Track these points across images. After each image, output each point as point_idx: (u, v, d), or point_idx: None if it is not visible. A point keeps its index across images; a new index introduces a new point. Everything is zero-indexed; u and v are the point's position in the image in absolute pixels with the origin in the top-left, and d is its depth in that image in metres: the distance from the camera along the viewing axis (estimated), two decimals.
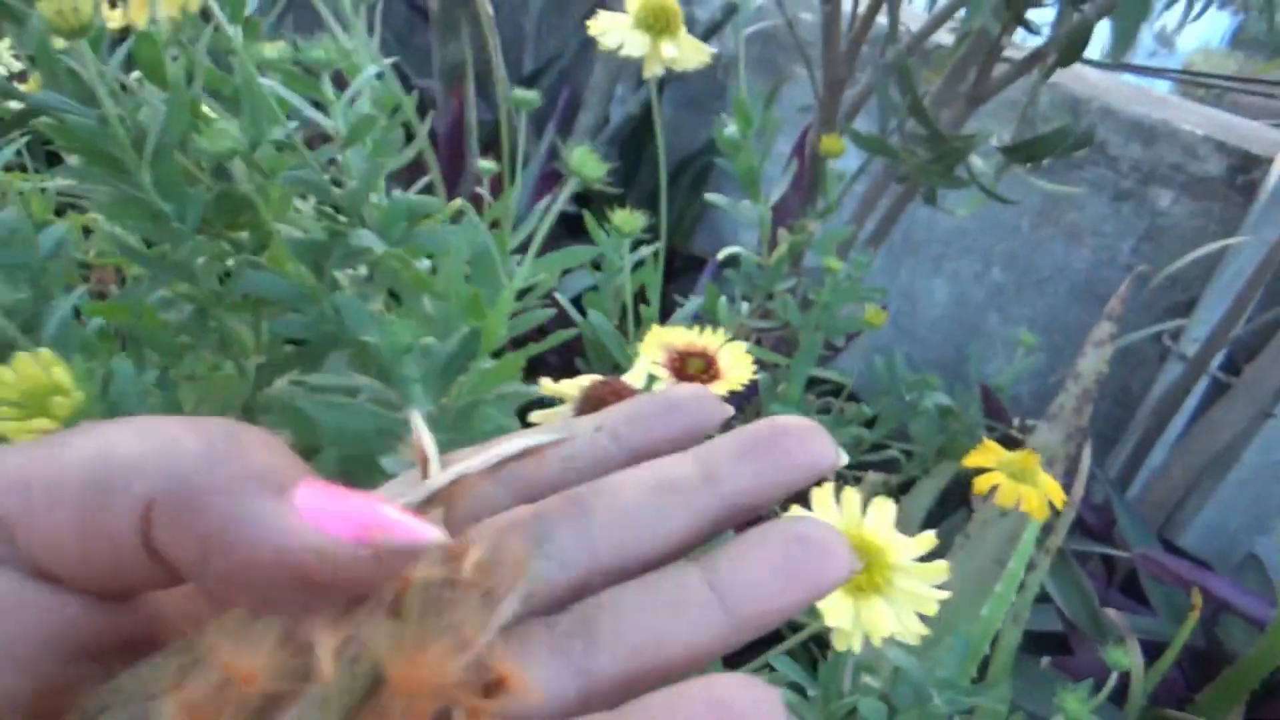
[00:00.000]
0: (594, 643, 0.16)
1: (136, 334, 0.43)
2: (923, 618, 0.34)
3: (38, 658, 0.14)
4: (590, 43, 1.44)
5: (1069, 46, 0.63)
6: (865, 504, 0.36)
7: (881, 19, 0.80)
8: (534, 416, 0.34)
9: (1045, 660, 0.62)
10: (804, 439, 0.18)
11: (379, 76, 0.47)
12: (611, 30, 0.47)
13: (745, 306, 0.81)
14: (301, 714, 0.14)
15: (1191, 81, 1.87)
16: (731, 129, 0.76)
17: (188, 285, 0.45)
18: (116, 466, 0.14)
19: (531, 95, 0.56)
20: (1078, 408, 0.74)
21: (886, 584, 0.32)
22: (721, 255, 0.81)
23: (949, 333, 1.27)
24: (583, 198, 0.68)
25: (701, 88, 1.31)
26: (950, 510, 0.80)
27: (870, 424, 0.84)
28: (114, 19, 0.44)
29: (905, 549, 0.34)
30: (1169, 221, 1.10)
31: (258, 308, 0.44)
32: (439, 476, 0.18)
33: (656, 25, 0.47)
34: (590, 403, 0.35)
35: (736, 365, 0.41)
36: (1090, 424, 0.82)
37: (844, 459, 0.18)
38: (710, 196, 0.81)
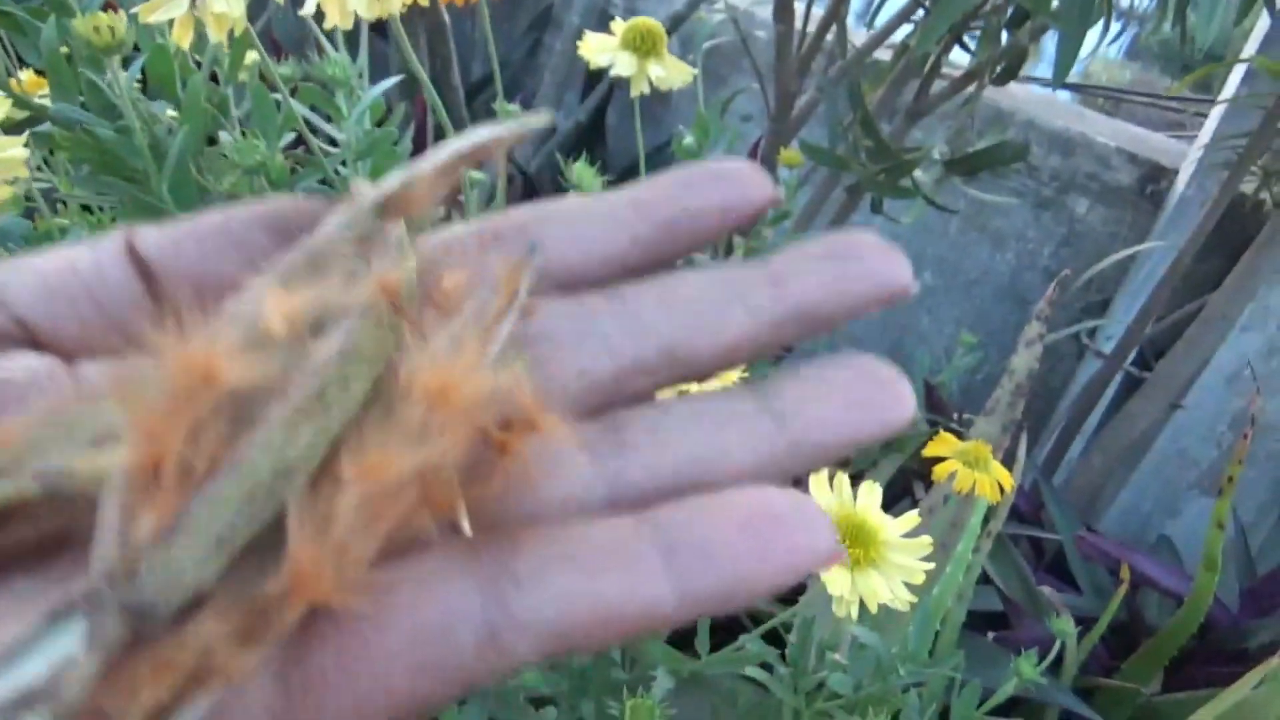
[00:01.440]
0: (628, 450, 0.14)
1: None
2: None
3: None
4: (537, 49, 1.46)
5: (1007, 67, 0.68)
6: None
7: (827, 37, 0.85)
8: None
9: (990, 635, 0.67)
10: (882, 253, 0.16)
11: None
12: (601, 51, 0.50)
13: None
14: (290, 406, 0.12)
15: (1101, 95, 1.99)
16: (690, 139, 0.80)
17: None
18: (113, 243, 0.16)
19: (514, 108, 0.59)
20: (1012, 402, 0.80)
21: (880, 558, 0.36)
22: (680, 262, 0.85)
23: (882, 332, 1.34)
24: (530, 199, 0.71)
25: (645, 96, 1.34)
26: (896, 499, 0.85)
27: None
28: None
29: (893, 527, 0.38)
30: (1085, 227, 1.18)
31: None
32: (393, 178, 0.15)
33: (643, 47, 0.50)
34: None
35: None
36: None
37: (917, 287, 0.16)
38: None
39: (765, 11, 1.09)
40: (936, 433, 0.88)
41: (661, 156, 1.30)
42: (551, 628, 0.12)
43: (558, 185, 1.26)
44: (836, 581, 0.35)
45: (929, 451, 0.55)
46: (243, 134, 0.47)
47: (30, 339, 0.16)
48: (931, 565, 0.36)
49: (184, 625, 0.11)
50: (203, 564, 0.11)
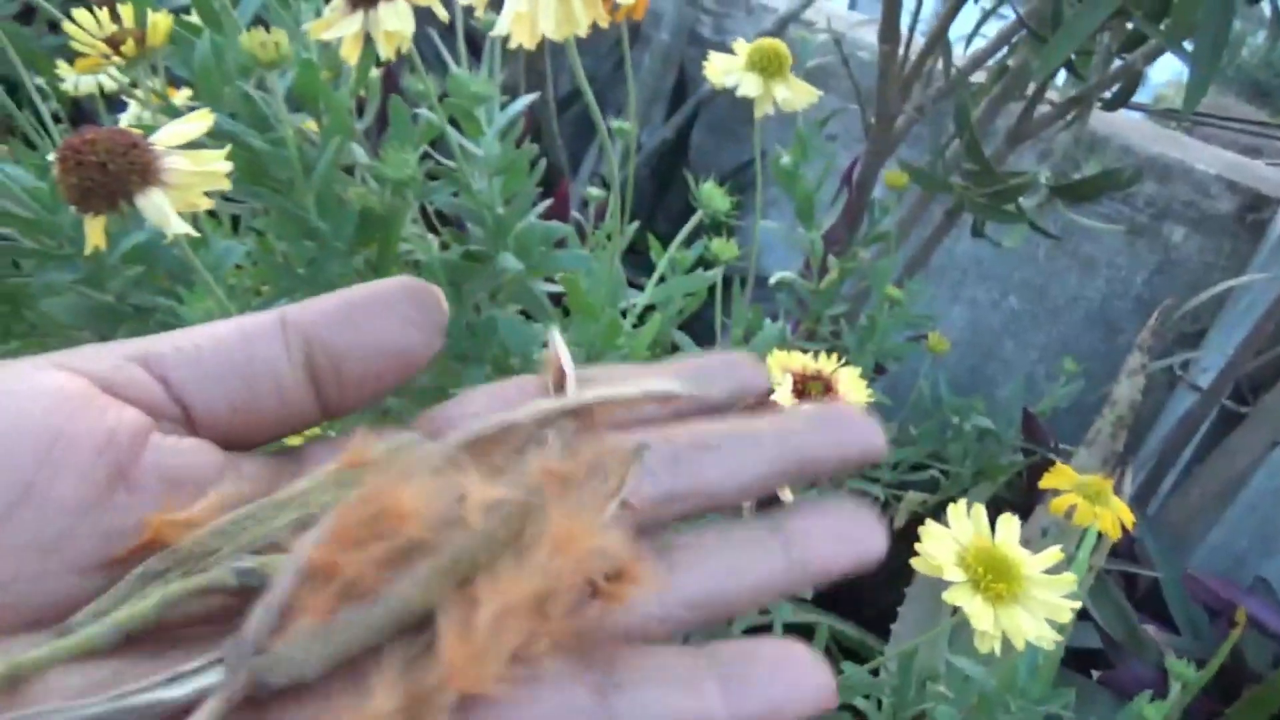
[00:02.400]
0: (676, 569, 0.17)
1: None
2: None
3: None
4: (623, 64, 1.47)
5: (1121, 92, 0.67)
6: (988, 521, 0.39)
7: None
8: None
9: (1094, 675, 0.65)
10: (862, 423, 0.20)
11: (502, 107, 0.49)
12: (726, 71, 0.50)
13: (786, 327, 0.84)
14: (440, 564, 0.15)
15: (1187, 121, 1.93)
16: (787, 158, 0.79)
17: None
18: (267, 319, 0.18)
19: (629, 126, 0.59)
20: (1113, 433, 0.78)
21: (1024, 594, 0.35)
22: (774, 280, 0.84)
23: (964, 357, 1.31)
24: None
25: (730, 114, 1.34)
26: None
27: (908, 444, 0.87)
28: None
29: (1035, 562, 0.37)
30: (1181, 256, 1.15)
31: None
32: (584, 393, 0.18)
33: (769, 68, 0.50)
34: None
35: (853, 389, 0.44)
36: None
37: (885, 453, 0.20)
38: (763, 224, 0.85)
39: (861, 34, 1.09)
40: (1036, 461, 0.86)
41: (745, 174, 1.30)
42: None
43: (655, 198, 1.26)
44: (980, 616, 0.34)
45: (1046, 483, 0.53)
46: (373, 148, 0.48)
47: (187, 420, 0.17)
48: (1079, 604, 0.36)
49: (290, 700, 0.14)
50: (318, 664, 0.14)
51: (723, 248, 0.55)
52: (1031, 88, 0.85)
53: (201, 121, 0.27)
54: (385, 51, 0.35)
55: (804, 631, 0.79)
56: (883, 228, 0.87)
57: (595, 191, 0.53)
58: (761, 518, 0.19)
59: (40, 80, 0.63)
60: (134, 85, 0.64)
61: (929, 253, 0.93)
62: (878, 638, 0.86)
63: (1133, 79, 0.69)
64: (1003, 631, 0.35)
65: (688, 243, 0.56)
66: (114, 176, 0.24)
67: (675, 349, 0.50)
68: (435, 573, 0.15)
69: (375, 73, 0.54)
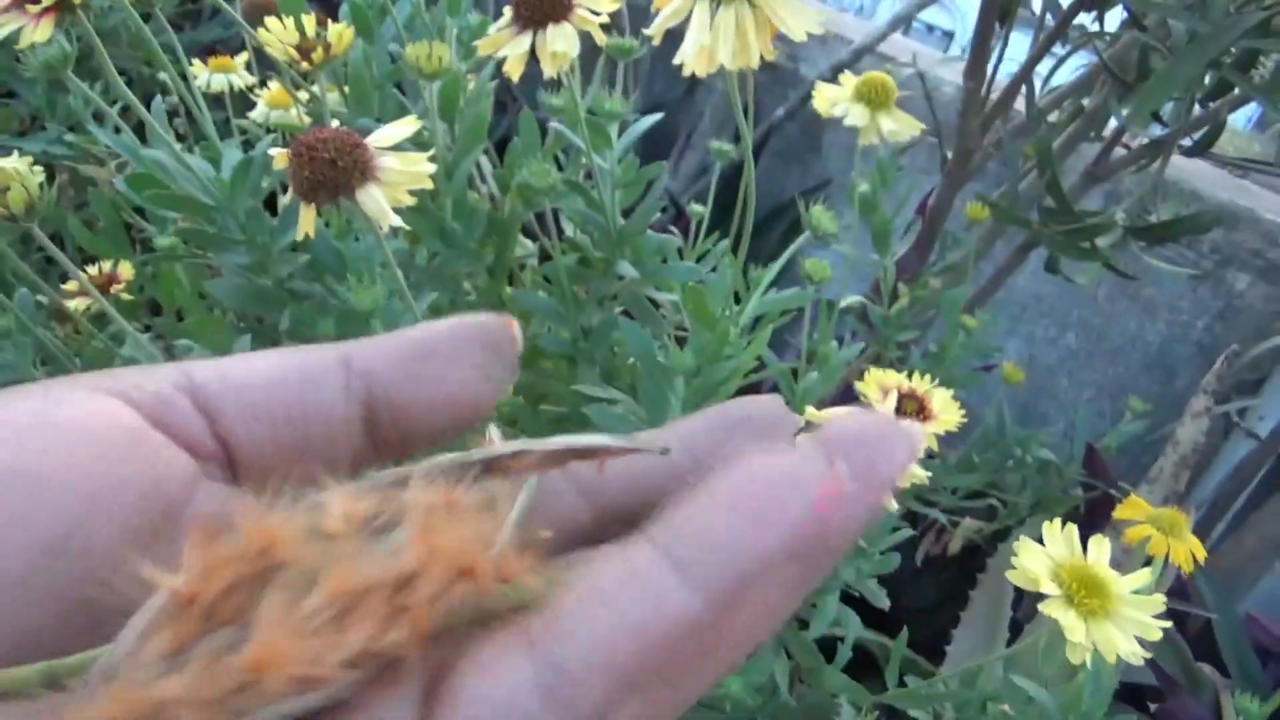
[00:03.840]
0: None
1: None
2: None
3: None
4: (695, 88, 1.50)
5: (1204, 138, 0.69)
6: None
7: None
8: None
9: (1152, 708, 0.66)
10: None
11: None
12: (834, 102, 0.53)
13: (854, 350, 0.86)
14: (295, 576, 0.13)
15: (1246, 168, 1.93)
16: (865, 187, 0.82)
17: (457, 297, 0.50)
18: (329, 357, 0.16)
19: (728, 147, 0.62)
20: (1175, 473, 0.79)
21: (1115, 611, 0.37)
22: (844, 304, 0.87)
23: (1018, 391, 1.32)
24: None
25: (798, 140, 1.37)
26: None
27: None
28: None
29: (1125, 582, 0.39)
30: (1244, 304, 1.15)
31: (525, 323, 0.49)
32: (501, 445, 0.17)
33: (876, 100, 0.52)
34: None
35: (946, 409, 0.47)
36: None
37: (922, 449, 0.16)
38: (839, 247, 0.87)
39: (939, 70, 1.11)
40: (1098, 496, 0.87)
41: (809, 200, 1.32)
42: (603, 669, 0.12)
43: (718, 220, 1.29)
44: (1074, 629, 0.36)
45: (1120, 514, 0.55)
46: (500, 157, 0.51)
47: (228, 460, 0.16)
48: (1169, 624, 0.37)
49: None
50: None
51: (816, 268, 0.58)
52: (1109, 131, 0.86)
53: (409, 125, 0.30)
54: (549, 71, 0.37)
55: (864, 651, 0.80)
56: (954, 259, 0.89)
57: (698, 208, 0.56)
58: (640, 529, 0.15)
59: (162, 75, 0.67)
60: (262, 85, 0.68)
61: (996, 286, 0.95)
62: (928, 661, 0.87)
63: (1216, 127, 0.70)
64: (1093, 645, 0.37)
65: (765, 262, 0.59)
66: (341, 172, 0.27)
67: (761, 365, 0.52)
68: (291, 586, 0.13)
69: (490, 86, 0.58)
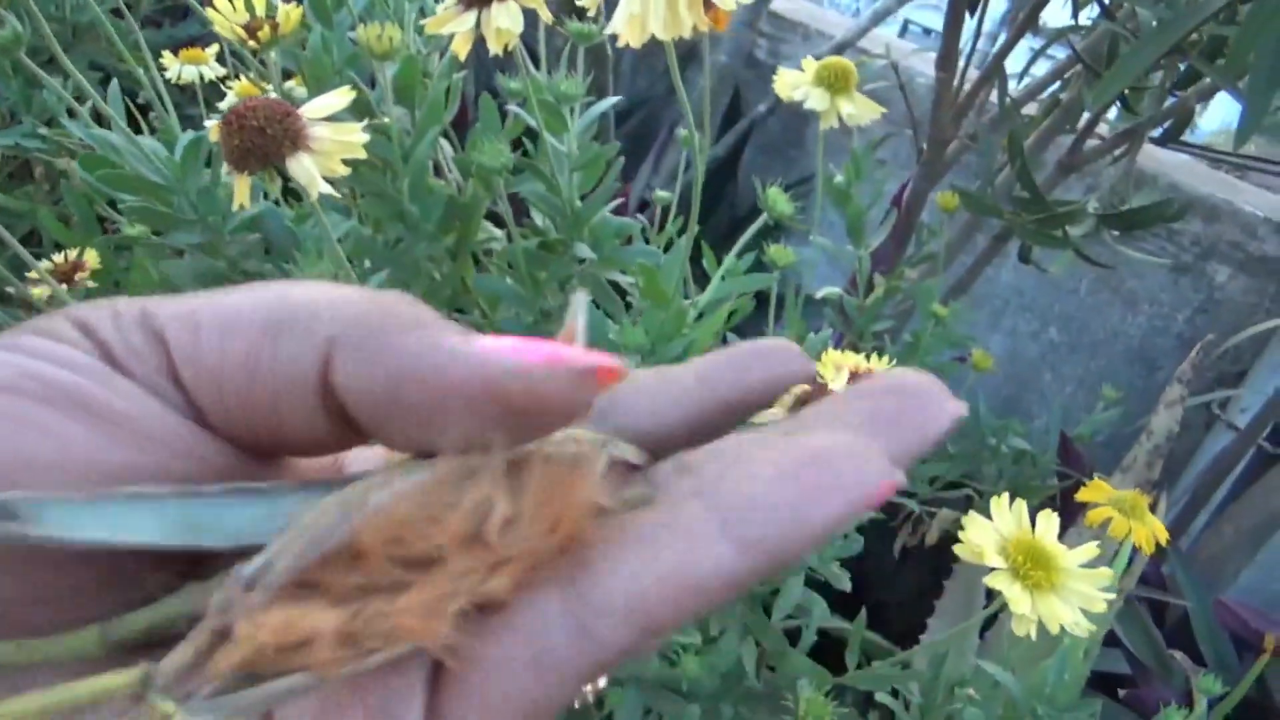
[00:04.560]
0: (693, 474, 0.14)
1: None
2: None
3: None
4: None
5: (1173, 127, 0.69)
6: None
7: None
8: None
9: (1120, 693, 0.66)
10: (937, 395, 0.15)
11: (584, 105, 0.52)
12: (794, 85, 0.53)
13: (830, 338, 0.87)
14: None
15: (1233, 161, 1.93)
16: (840, 178, 0.82)
17: (417, 281, 0.50)
18: (298, 307, 0.14)
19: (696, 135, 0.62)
20: (1149, 462, 0.79)
21: (1061, 584, 0.37)
22: (821, 294, 0.87)
23: (1001, 385, 1.32)
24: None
25: (781, 135, 1.37)
26: None
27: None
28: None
29: (1072, 556, 0.39)
30: (1224, 296, 1.16)
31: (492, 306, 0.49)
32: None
33: (836, 84, 0.53)
34: (801, 405, 0.41)
35: None
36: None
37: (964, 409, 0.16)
38: (815, 239, 0.87)
39: (915, 62, 1.11)
40: (1071, 486, 0.87)
41: (793, 194, 1.32)
42: (632, 609, 0.13)
43: (704, 213, 1.29)
44: (1018, 601, 0.36)
45: (1083, 496, 0.55)
46: (456, 139, 0.51)
47: (196, 413, 0.15)
48: (1114, 596, 0.37)
49: None
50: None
51: (779, 253, 0.58)
52: (1083, 121, 0.87)
53: (343, 96, 0.30)
54: (494, 47, 0.38)
55: (835, 640, 0.80)
56: (929, 249, 0.89)
57: (663, 194, 0.56)
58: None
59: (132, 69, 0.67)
60: (235, 78, 0.68)
61: (974, 277, 0.95)
62: (906, 650, 0.88)
63: (1184, 116, 0.70)
64: (1039, 621, 0.37)
65: (739, 253, 0.59)
66: (270, 139, 0.27)
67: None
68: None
69: (457, 75, 0.58)
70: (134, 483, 0.14)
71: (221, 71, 0.69)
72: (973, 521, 0.38)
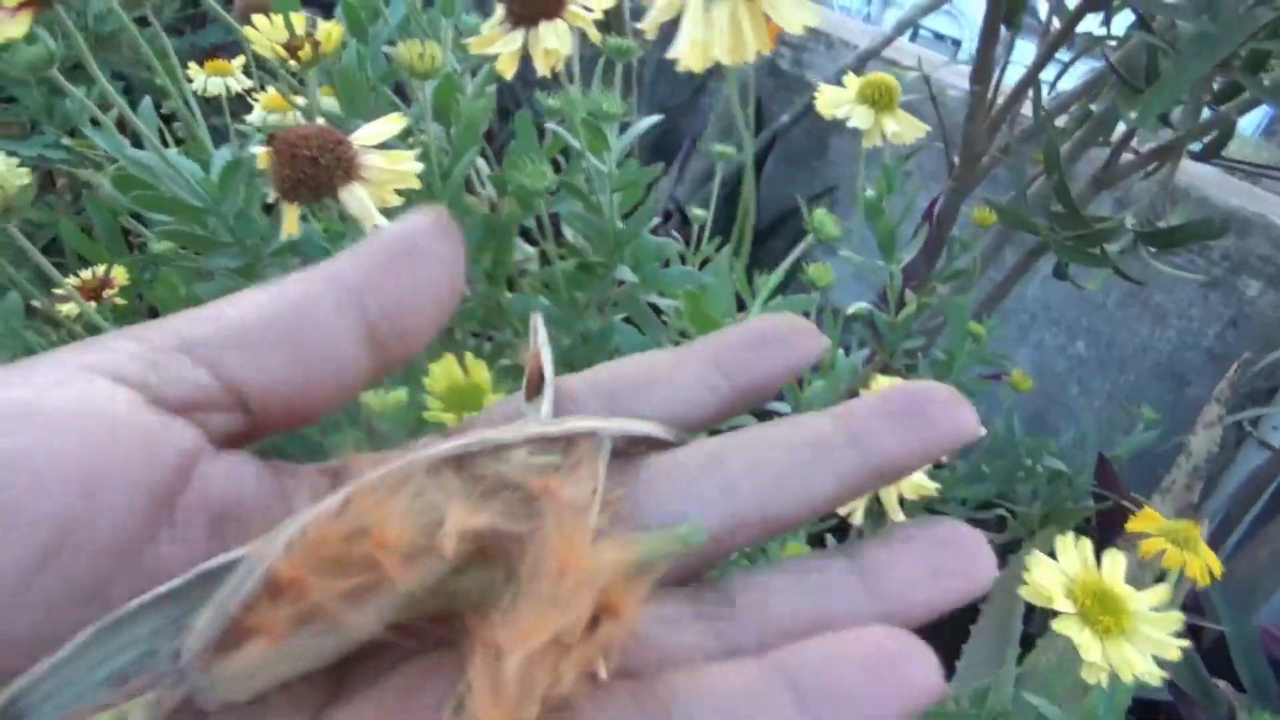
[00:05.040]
0: (738, 614, 0.16)
1: None
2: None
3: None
4: (700, 91, 1.49)
5: (1215, 142, 0.67)
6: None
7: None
8: None
9: None
10: (949, 407, 0.17)
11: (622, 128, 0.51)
12: (837, 103, 0.51)
13: (859, 357, 0.85)
14: (403, 599, 0.14)
15: (1251, 171, 1.91)
16: (871, 192, 0.81)
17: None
18: (315, 282, 0.16)
19: (731, 150, 0.61)
20: (1188, 484, 0.77)
21: (1131, 629, 0.36)
22: (850, 310, 0.85)
23: (1028, 400, 1.31)
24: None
25: (805, 145, 1.36)
26: None
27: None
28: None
29: (1142, 598, 0.37)
30: (1255, 311, 1.14)
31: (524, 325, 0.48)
32: (572, 423, 0.17)
33: (880, 101, 0.51)
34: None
35: None
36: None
37: (983, 431, 0.17)
38: (844, 253, 0.86)
39: (944, 74, 1.10)
40: (1110, 508, 0.86)
41: (815, 206, 1.31)
42: None
43: (724, 225, 1.28)
44: (1089, 648, 0.35)
45: (1134, 527, 0.54)
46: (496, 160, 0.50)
47: (243, 405, 0.16)
48: (1187, 643, 0.36)
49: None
50: (255, 690, 0.13)
51: (820, 273, 0.57)
52: (1118, 135, 0.85)
53: (395, 123, 0.29)
54: (542, 68, 0.36)
55: None
56: (960, 265, 0.87)
57: (699, 212, 0.55)
58: (838, 551, 0.17)
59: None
60: (262, 89, 0.67)
61: (1004, 293, 0.94)
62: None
63: (1226, 131, 0.69)
64: (1109, 665, 0.35)
65: (786, 277, 0.58)
66: (323, 170, 0.26)
67: None
68: (397, 606, 0.14)
69: (490, 89, 0.57)
70: None
71: (248, 84, 0.68)
72: (1038, 562, 0.36)
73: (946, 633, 0.83)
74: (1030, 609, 0.79)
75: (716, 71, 1.16)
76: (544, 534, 0.14)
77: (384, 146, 0.28)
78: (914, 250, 0.88)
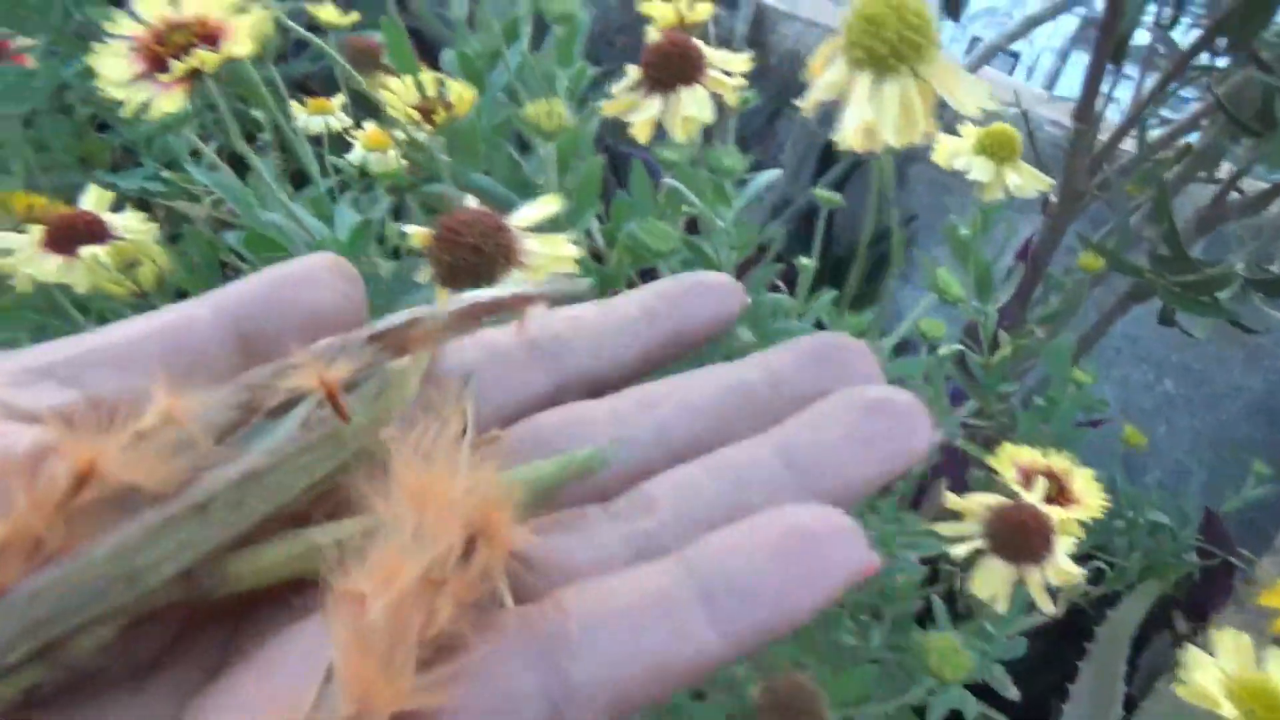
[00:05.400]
0: (654, 516, 0.15)
1: None
2: None
3: None
4: (775, 119, 1.47)
5: None
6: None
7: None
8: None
9: None
10: (858, 354, 0.17)
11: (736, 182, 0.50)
12: (955, 154, 0.50)
13: (964, 412, 0.82)
14: (166, 518, 0.13)
15: None
16: (965, 230, 0.78)
17: None
18: (192, 308, 0.17)
19: (838, 198, 0.59)
20: None
21: None
22: (942, 352, 0.83)
23: (1110, 439, 1.26)
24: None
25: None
26: (1154, 629, 0.79)
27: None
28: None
29: None
30: None
31: None
32: (393, 315, 0.16)
33: (1000, 153, 0.49)
34: (1004, 524, 0.37)
35: (1088, 491, 0.43)
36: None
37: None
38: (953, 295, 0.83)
39: (1042, 110, 1.07)
40: (1216, 564, 0.82)
41: (888, 241, 1.28)
42: (609, 692, 0.12)
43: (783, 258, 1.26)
44: None
45: (1266, 601, 0.51)
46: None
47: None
48: None
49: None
50: (9, 646, 0.12)
51: (931, 327, 0.55)
52: (1227, 173, 0.82)
53: (551, 204, 0.28)
54: (680, 135, 0.36)
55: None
56: (1055, 305, 0.85)
57: (806, 262, 0.54)
58: (763, 439, 0.16)
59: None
60: (356, 126, 0.67)
61: (1100, 334, 0.91)
62: None
63: None
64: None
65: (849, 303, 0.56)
66: (485, 258, 0.25)
67: None
68: (150, 529, 0.13)
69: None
70: None
71: (348, 122, 0.69)
72: (1197, 662, 0.34)
73: (1035, 681, 0.80)
74: (1132, 668, 0.76)
75: (791, 95, 1.13)
76: (400, 474, 0.13)
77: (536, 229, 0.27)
78: (1009, 290, 0.86)
